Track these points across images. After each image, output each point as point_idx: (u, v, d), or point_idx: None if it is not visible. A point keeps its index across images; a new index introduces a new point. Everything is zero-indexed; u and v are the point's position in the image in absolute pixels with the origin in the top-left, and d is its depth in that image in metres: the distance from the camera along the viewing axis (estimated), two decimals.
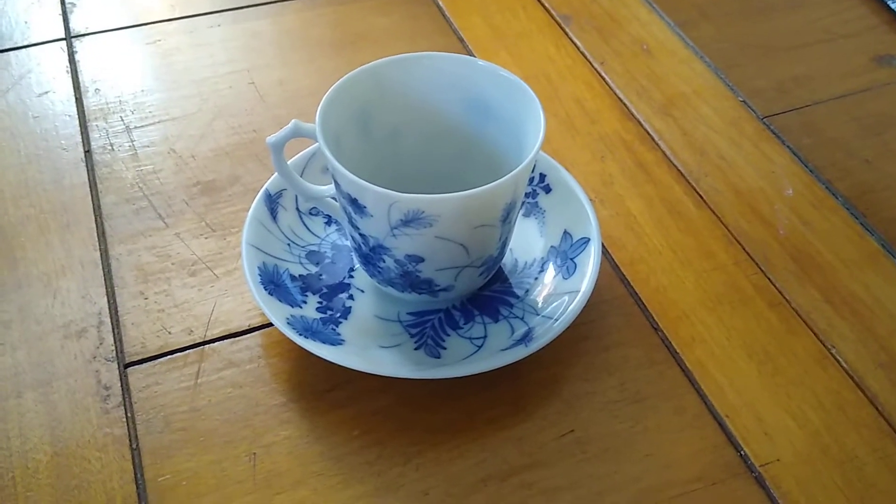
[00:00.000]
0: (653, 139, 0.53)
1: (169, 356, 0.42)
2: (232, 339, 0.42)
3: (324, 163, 0.45)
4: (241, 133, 0.53)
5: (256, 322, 0.43)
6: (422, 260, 0.38)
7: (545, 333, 0.39)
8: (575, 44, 0.60)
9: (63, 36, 0.59)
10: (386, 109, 0.42)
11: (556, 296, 0.42)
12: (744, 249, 0.47)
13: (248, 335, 0.43)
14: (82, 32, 0.60)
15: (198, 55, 0.58)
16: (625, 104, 0.55)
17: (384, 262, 0.39)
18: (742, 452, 0.38)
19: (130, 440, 0.38)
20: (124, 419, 0.39)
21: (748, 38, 0.60)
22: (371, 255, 0.39)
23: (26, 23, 0.60)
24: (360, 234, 0.38)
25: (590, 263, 0.42)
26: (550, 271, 0.43)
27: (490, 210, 0.37)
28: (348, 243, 0.44)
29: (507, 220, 0.39)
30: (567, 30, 0.61)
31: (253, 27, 0.61)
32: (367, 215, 0.37)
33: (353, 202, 0.37)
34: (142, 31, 0.60)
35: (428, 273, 0.39)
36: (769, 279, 0.45)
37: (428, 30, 0.61)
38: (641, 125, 0.54)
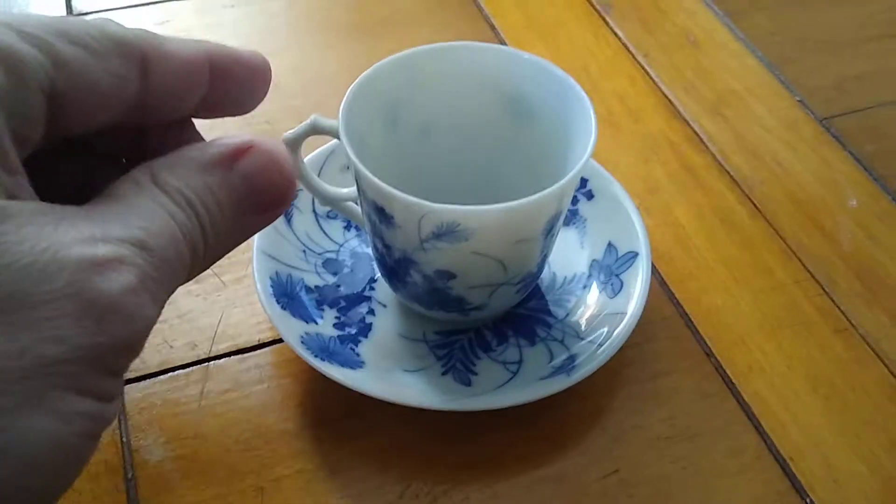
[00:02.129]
0: (702, 141, 0.49)
1: (170, 373, 0.38)
2: (239, 356, 0.38)
3: (344, 160, 0.41)
4: (253, 124, 0.48)
5: (267, 337, 0.39)
6: (454, 276, 0.34)
7: (589, 361, 0.35)
8: (616, 34, 0.55)
9: (65, 14, 0.55)
10: (417, 105, 0.37)
11: (600, 317, 0.37)
12: (804, 267, 0.42)
13: (258, 351, 0.38)
14: (86, 11, 0.56)
15: (209, 38, 0.53)
16: (671, 101, 0.51)
17: (411, 276, 0.35)
18: (808, 501, 0.34)
19: (125, 469, 0.35)
20: (119, 444, 0.35)
21: (804, 31, 0.56)
22: (396, 269, 0.35)
23: (26, 1, 0.56)
24: (385, 245, 0.34)
25: (638, 282, 0.38)
26: (593, 289, 0.39)
27: (533, 223, 0.33)
28: (369, 251, 0.40)
29: (550, 233, 0.34)
30: (607, 19, 0.56)
31: (268, 8, 0.57)
32: (394, 226, 0.32)
33: (379, 211, 0.32)
34: (150, 11, 0.56)
35: (460, 290, 0.35)
36: (833, 301, 0.41)
37: (456, 16, 0.56)
38: (689, 125, 0.49)
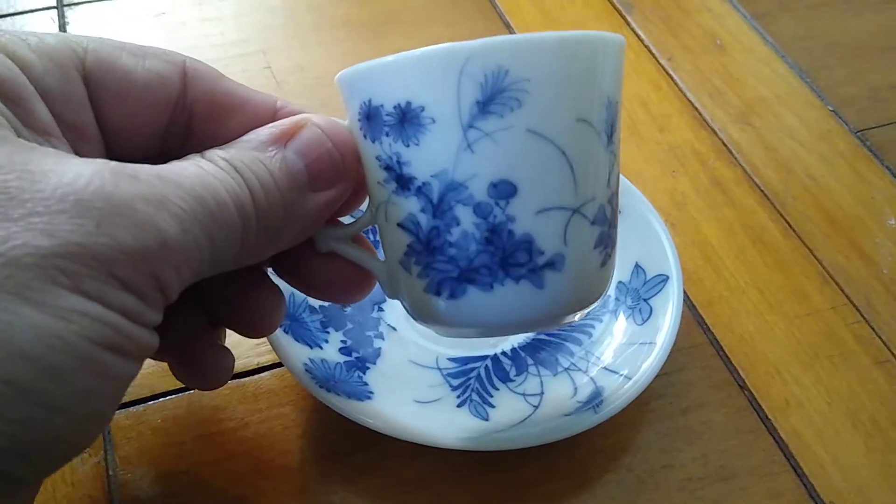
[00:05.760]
0: (731, 152, 0.46)
1: (161, 398, 0.35)
2: (237, 381, 0.35)
3: None
4: None
5: (266, 360, 0.36)
6: (514, 190, 0.25)
7: (616, 397, 0.32)
8: (638, 35, 0.52)
9: (54, 4, 0.52)
10: None
11: (628, 346, 0.35)
12: (842, 291, 0.40)
13: (257, 376, 0.36)
14: (76, 0, 0.52)
15: (207, 32, 0.51)
16: (697, 109, 0.48)
17: (458, 224, 0.26)
18: None
19: None
20: (105, 478, 0.32)
21: (836, 36, 0.53)
22: (437, 230, 0.26)
23: None
24: (418, 191, 0.26)
25: (669, 310, 0.35)
26: (620, 313, 0.36)
27: (592, 90, 0.26)
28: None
29: (610, 135, 0.27)
30: (629, 19, 0.53)
31: (270, 1, 0.53)
32: (425, 130, 0.25)
33: (402, 118, 0.25)
34: (145, 1, 0.53)
35: (526, 220, 0.25)
36: (873, 329, 0.38)
37: (469, 12, 0.53)
38: (717, 135, 0.47)
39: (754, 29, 0.53)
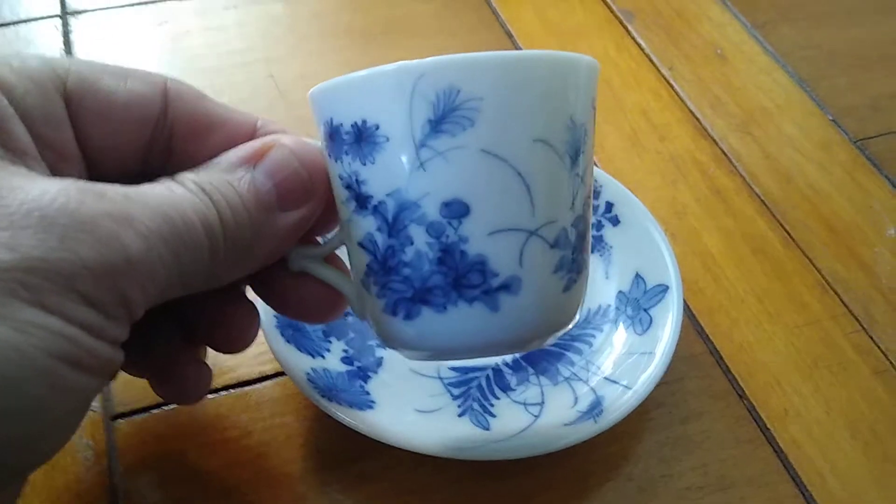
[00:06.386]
0: (730, 161, 0.46)
1: (164, 407, 0.35)
2: (239, 390, 0.36)
3: None
4: None
5: (269, 370, 0.36)
6: (467, 210, 0.25)
7: (616, 406, 0.33)
8: (639, 44, 0.53)
9: (58, 12, 0.52)
10: None
11: (628, 356, 0.35)
12: (841, 300, 0.40)
13: (259, 384, 0.36)
14: (80, 9, 0.53)
15: (211, 41, 0.51)
16: (697, 118, 0.48)
17: (412, 243, 0.25)
18: None
19: None
20: (108, 486, 0.33)
21: (836, 45, 0.53)
22: (392, 250, 0.26)
23: None
24: (375, 210, 0.26)
25: (669, 320, 0.35)
26: (620, 323, 0.36)
27: (551, 111, 0.25)
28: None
29: (575, 157, 0.26)
30: (630, 28, 0.54)
31: (273, 10, 0.54)
32: (380, 149, 0.25)
33: (358, 137, 0.25)
34: (148, 10, 0.53)
35: (479, 241, 0.25)
36: (872, 339, 0.39)
37: (471, 21, 0.54)
38: (717, 144, 0.47)
39: (755, 38, 0.53)
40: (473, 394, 0.35)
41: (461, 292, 0.25)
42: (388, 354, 0.36)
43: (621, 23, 0.54)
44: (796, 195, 0.44)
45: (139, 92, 0.26)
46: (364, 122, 0.25)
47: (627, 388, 0.33)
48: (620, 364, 0.35)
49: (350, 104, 0.25)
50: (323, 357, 0.35)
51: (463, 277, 0.25)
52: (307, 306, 0.29)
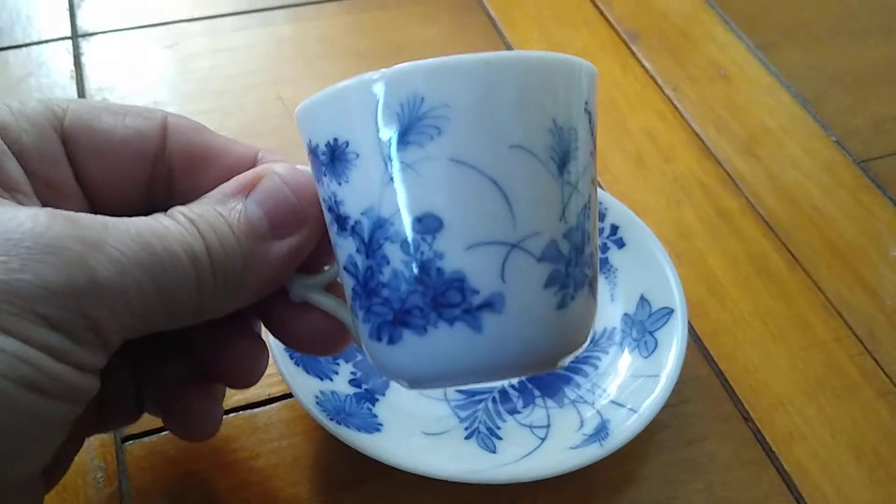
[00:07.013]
0: (735, 183, 0.46)
1: None
2: (248, 412, 0.36)
3: None
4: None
5: (277, 391, 0.37)
6: (440, 224, 0.24)
7: (623, 430, 0.33)
8: (643, 65, 0.53)
9: (69, 34, 0.53)
10: None
11: (633, 379, 0.35)
12: (845, 322, 0.40)
13: (268, 406, 0.36)
14: (91, 31, 0.53)
15: (220, 62, 0.52)
16: (702, 139, 0.49)
17: (388, 262, 0.24)
18: None
19: None
20: None
21: (839, 66, 0.54)
22: (371, 271, 0.25)
23: (28, 17, 0.54)
24: (352, 230, 0.25)
25: (674, 343, 0.35)
26: (625, 346, 0.37)
27: (528, 115, 0.24)
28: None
29: (562, 164, 0.24)
30: (634, 49, 0.54)
31: (281, 32, 0.54)
32: (351, 166, 0.24)
33: (332, 156, 0.25)
34: (158, 32, 0.54)
35: (455, 256, 0.24)
36: (876, 361, 0.39)
37: (477, 43, 0.54)
38: (721, 165, 0.47)
39: (758, 59, 0.54)
40: (480, 416, 0.35)
41: (440, 312, 0.24)
42: None
43: (626, 44, 0.54)
44: (800, 216, 0.45)
45: (137, 128, 0.26)
46: (335, 140, 0.24)
47: (633, 411, 0.34)
48: (626, 387, 0.35)
49: (322, 122, 0.25)
50: (331, 379, 0.35)
51: (441, 296, 0.24)
52: (313, 337, 0.29)
